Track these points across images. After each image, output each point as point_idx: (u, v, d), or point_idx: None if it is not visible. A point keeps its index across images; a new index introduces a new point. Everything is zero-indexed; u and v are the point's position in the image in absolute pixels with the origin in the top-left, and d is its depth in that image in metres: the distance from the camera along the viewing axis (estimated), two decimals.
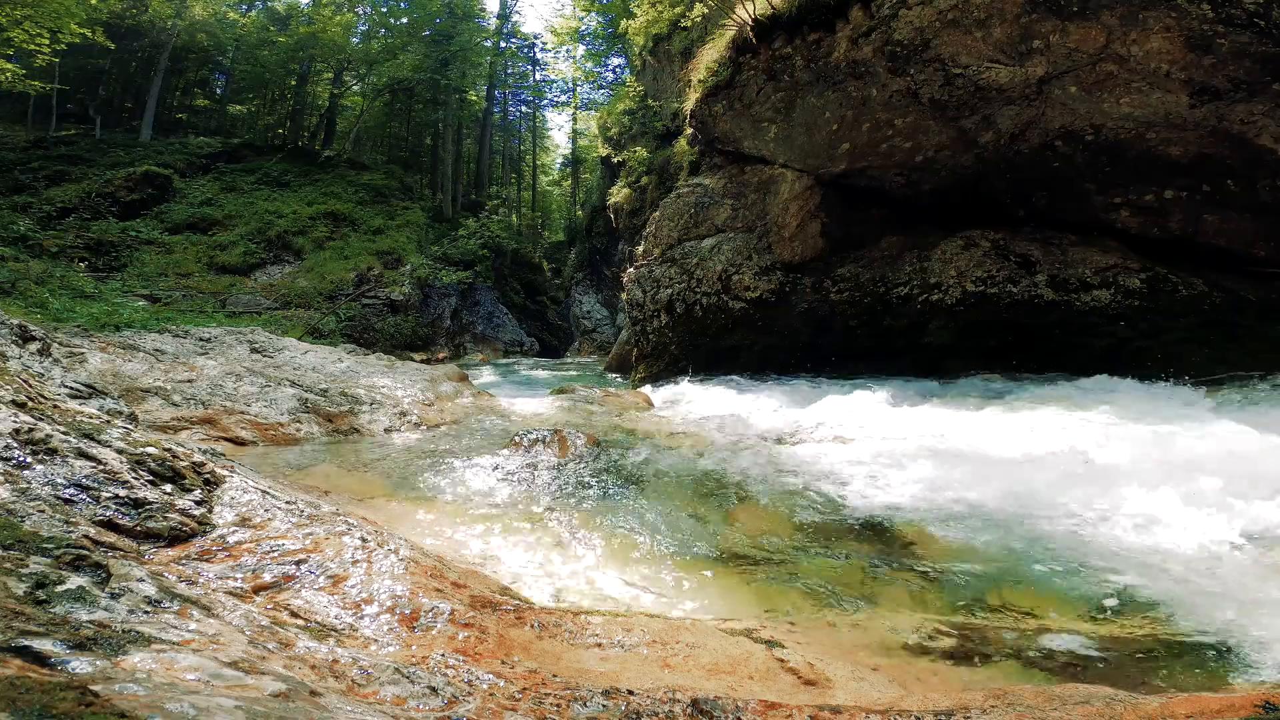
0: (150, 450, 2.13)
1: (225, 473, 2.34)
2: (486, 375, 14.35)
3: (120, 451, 2.03)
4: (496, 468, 4.27)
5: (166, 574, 1.56)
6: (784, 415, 6.27)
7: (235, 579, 1.72)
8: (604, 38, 29.72)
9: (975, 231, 8.43)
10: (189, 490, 2.07)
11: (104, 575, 1.34)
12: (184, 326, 8.85)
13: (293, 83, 28.17)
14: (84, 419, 2.25)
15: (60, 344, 5.54)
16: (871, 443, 4.81)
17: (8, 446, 1.75)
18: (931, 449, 4.47)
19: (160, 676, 1.00)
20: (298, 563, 1.88)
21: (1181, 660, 2.10)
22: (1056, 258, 7.84)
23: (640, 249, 11.28)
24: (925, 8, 6.71)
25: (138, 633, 1.16)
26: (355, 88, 28.26)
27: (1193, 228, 7.23)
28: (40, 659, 0.94)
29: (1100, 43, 6.17)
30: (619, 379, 12.70)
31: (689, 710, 1.39)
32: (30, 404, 2.10)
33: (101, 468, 1.89)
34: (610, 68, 33.08)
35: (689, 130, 11.45)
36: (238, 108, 30.23)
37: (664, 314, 10.13)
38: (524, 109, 40.30)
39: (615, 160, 19.84)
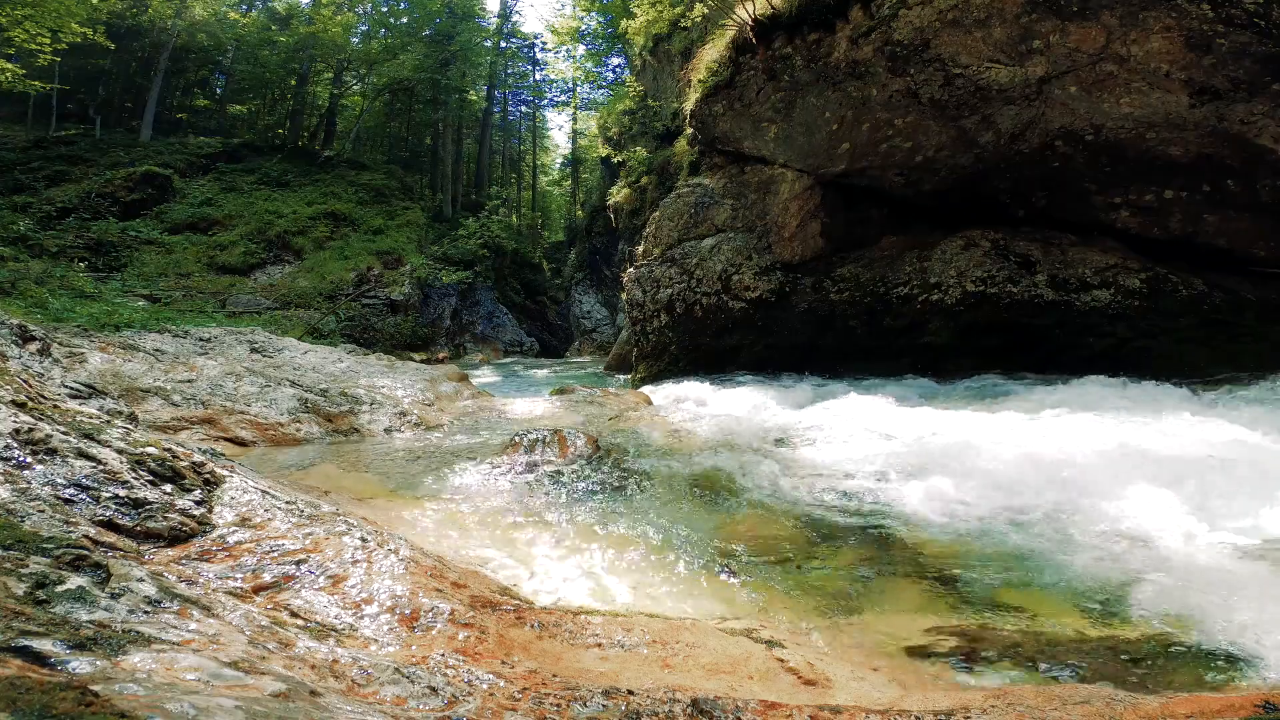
0: (150, 450, 2.13)
1: (225, 473, 2.34)
2: (486, 375, 14.35)
3: (120, 451, 2.03)
4: (496, 468, 4.27)
5: (166, 574, 1.56)
6: (784, 415, 6.27)
7: (235, 579, 1.72)
8: (604, 38, 29.71)
9: (975, 231, 8.43)
10: (189, 490, 2.07)
11: (104, 575, 1.34)
12: (184, 326, 8.85)
13: (293, 83, 28.16)
14: (84, 419, 2.25)
15: (60, 344, 5.54)
16: (871, 443, 4.81)
17: (8, 446, 1.75)
18: (931, 449, 4.47)
19: (160, 676, 1.00)
20: (298, 563, 1.88)
21: (1181, 660, 2.10)
22: (1056, 258, 7.84)
23: (640, 249, 11.28)
24: (925, 8, 6.71)
25: (138, 633, 1.16)
26: (355, 88, 28.25)
27: (1193, 228, 7.23)
28: (40, 659, 0.94)
29: (1100, 43, 6.17)
30: (619, 379, 12.69)
31: (689, 710, 1.39)
32: (30, 404, 2.10)
33: (101, 468, 1.89)
34: (610, 68, 33.09)
35: (689, 130, 11.45)
36: (238, 108, 30.22)
37: (664, 314, 10.13)
38: (524, 109, 40.29)
39: (615, 160, 19.83)
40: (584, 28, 31.20)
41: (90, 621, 1.14)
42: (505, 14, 33.98)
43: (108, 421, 2.30)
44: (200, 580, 1.64)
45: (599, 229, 23.92)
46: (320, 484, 3.71)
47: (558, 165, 42.66)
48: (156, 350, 6.48)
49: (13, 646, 0.94)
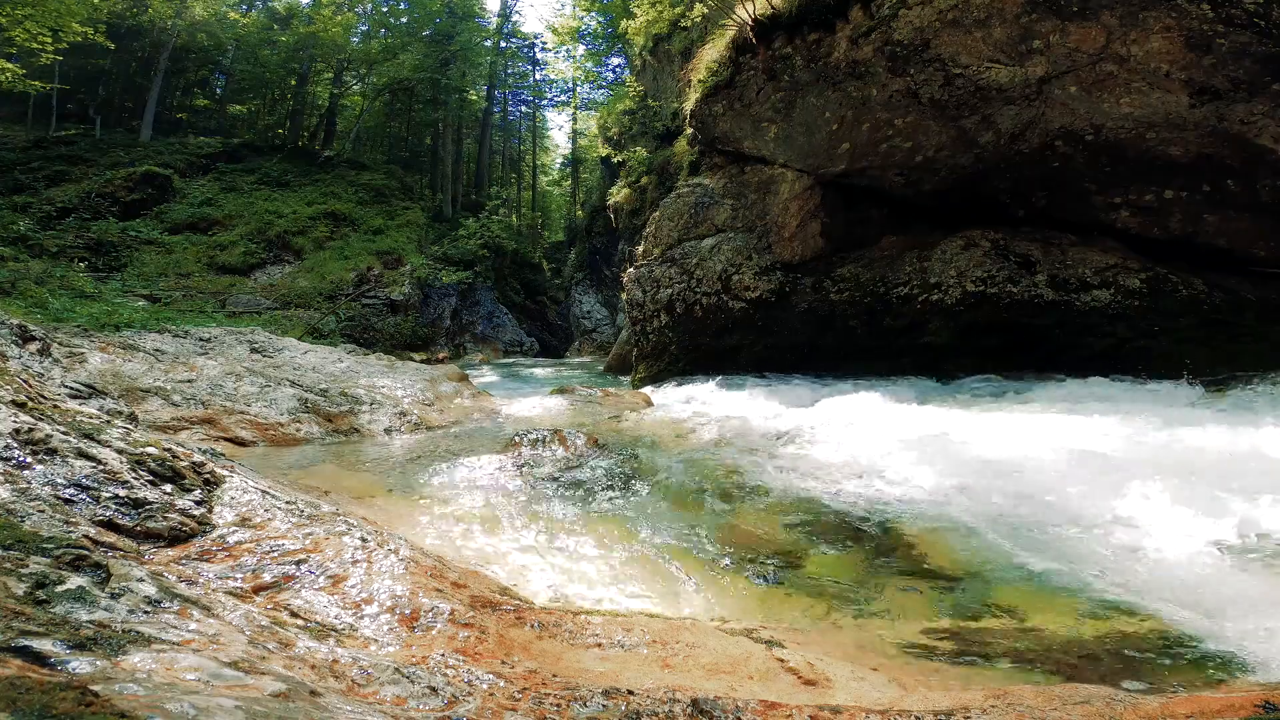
0: (150, 450, 2.13)
1: (225, 473, 2.34)
2: (486, 375, 14.35)
3: (120, 451, 2.03)
4: (496, 468, 4.27)
5: (166, 574, 1.56)
6: (784, 415, 6.27)
7: (235, 579, 1.72)
8: (604, 38, 29.70)
9: (975, 231, 8.43)
10: (189, 490, 2.07)
11: (104, 575, 1.34)
12: (184, 326, 8.85)
13: (293, 83, 28.17)
14: (84, 419, 2.25)
15: (60, 344, 5.54)
16: (871, 443, 4.80)
17: (8, 446, 1.75)
18: (931, 450, 4.47)
19: (160, 676, 1.00)
20: (298, 563, 1.88)
21: (1181, 660, 2.10)
22: (1056, 258, 7.84)
23: (640, 249, 11.28)
24: (925, 8, 6.70)
25: (138, 633, 1.16)
26: (355, 88, 28.25)
27: (1193, 228, 7.22)
28: (40, 659, 0.94)
29: (1100, 43, 6.17)
30: (619, 379, 12.69)
31: (689, 710, 1.39)
32: (30, 404, 2.10)
33: (101, 468, 1.89)
34: (610, 68, 33.07)
35: (689, 130, 11.45)
36: (238, 108, 30.21)
37: (664, 314, 10.13)
38: (524, 109, 40.29)
39: (615, 160, 19.82)
40: (584, 28, 31.18)
41: (90, 621, 1.14)
42: (505, 14, 33.97)
43: (108, 421, 2.30)
44: (200, 580, 1.64)
45: (599, 229, 23.91)
46: (320, 484, 3.71)
47: (558, 165, 42.65)
48: (156, 350, 6.48)
49: (13, 646, 0.94)
